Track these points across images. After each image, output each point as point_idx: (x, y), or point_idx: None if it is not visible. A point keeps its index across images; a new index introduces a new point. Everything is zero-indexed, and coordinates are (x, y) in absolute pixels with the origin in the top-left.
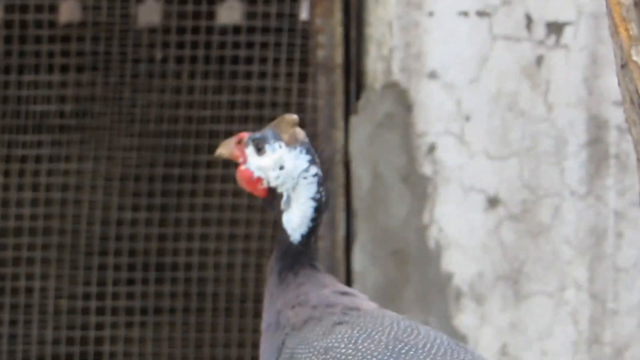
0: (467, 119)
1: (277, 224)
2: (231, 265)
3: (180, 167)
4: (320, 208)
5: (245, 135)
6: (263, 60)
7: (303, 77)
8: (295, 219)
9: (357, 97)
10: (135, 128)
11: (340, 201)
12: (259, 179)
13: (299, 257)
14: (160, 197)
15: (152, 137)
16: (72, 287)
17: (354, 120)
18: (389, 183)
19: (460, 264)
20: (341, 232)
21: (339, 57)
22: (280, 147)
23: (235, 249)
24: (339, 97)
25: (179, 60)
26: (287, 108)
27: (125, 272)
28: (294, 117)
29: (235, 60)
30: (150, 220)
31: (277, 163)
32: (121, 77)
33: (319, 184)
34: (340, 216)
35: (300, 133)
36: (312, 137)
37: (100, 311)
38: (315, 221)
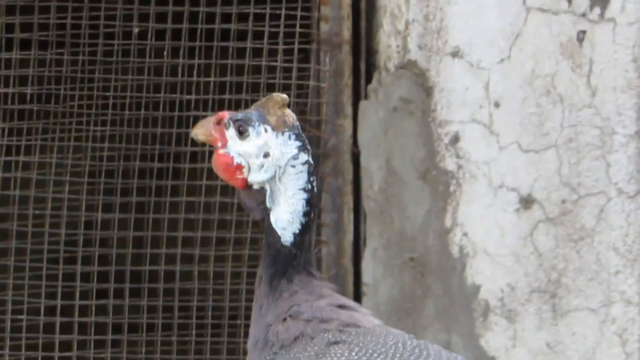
0: (497, 104)
1: (261, 224)
2: (220, 274)
3: (160, 160)
4: (313, 201)
5: (225, 115)
6: (258, 36)
7: (304, 56)
8: (285, 216)
9: (368, 80)
10: (108, 115)
11: (348, 200)
12: (239, 167)
13: (292, 261)
14: (137, 196)
15: (127, 125)
16: (33, 301)
17: (363, 106)
18: (404, 179)
19: (489, 274)
20: (349, 237)
21: (346, 32)
22: (265, 131)
23: (224, 256)
24: (347, 79)
25: (160, 35)
26: (286, 91)
27: (95, 282)
28: (283, 96)
29: (225, 35)
30: (124, 222)
31: (261, 149)
32: (92, 56)
33: (310, 173)
34: (348, 218)
35: (290, 115)
36: (316, 125)
37: (66, 328)
38: (308, 216)
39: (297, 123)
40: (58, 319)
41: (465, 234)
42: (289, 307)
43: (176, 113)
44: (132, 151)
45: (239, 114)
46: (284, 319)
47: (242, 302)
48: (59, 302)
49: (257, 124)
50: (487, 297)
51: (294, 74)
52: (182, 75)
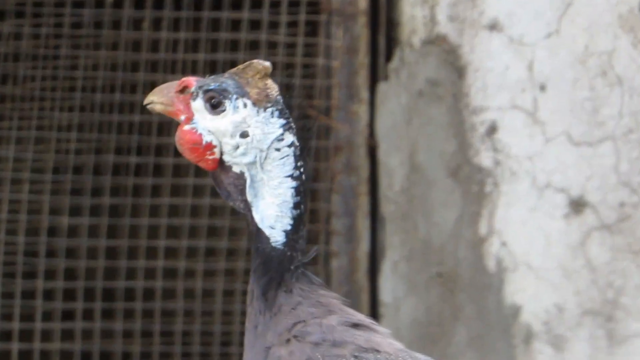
0: (542, 88)
1: (246, 224)
2: (209, 292)
3: (138, 154)
4: (303, 189)
5: (192, 82)
6: (255, 4)
7: (312, 29)
8: (271, 211)
9: (388, 57)
10: (76, 99)
11: (364, 203)
12: (209, 146)
13: (288, 265)
14: (110, 196)
15: (99, 111)
16: None
17: (383, 89)
18: (431, 177)
19: (532, 292)
20: (364, 247)
21: (363, 0)
22: (245, 106)
23: (214, 270)
24: (363, 57)
25: (139, 3)
26: (290, 72)
27: (60, 301)
28: (266, 64)
29: (216, 4)
30: (95, 229)
31: (238, 128)
32: (57, 28)
33: (297, 157)
34: (363, 224)
35: (273, 88)
36: (326, 112)
37: (25, 357)
38: (300, 208)
39: (280, 97)
40: (16, 345)
41: (503, 244)
42: (293, 325)
43: None
44: (105, 143)
45: (211, 83)
46: (287, 340)
47: (235, 325)
48: (17, 325)
49: (234, 96)
50: (530, 320)
51: (300, 50)
52: (165, 52)
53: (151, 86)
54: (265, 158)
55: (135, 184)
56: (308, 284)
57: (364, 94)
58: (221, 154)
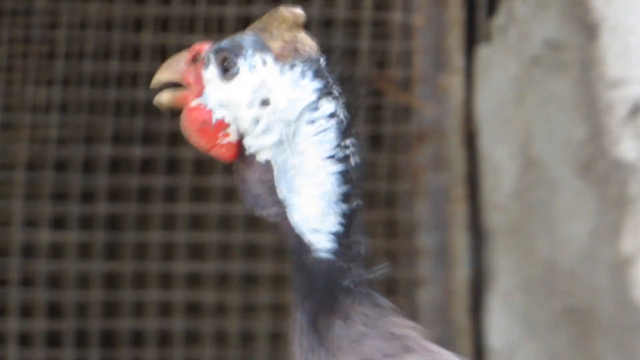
0: None
1: (280, 231)
2: (247, 334)
3: (145, 144)
4: (352, 175)
5: (204, 46)
6: None
7: None
8: (312, 207)
9: (490, 11)
10: (58, 69)
11: (460, 211)
12: (221, 125)
13: (341, 280)
14: (107, 202)
15: (89, 85)
16: None
17: (484, 54)
18: (553, 176)
19: None
20: (462, 272)
21: None
22: (264, 63)
23: (254, 304)
24: (456, 10)
25: None
26: (354, 31)
27: (42, 348)
28: (295, 11)
29: None
30: (87, 248)
31: (256, 93)
32: None
33: (343, 132)
34: (461, 240)
35: (305, 42)
36: (404, 85)
37: None
38: (351, 202)
39: (317, 52)
40: None
41: None
42: None
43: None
44: (99, 129)
45: (224, 42)
46: None
47: None
48: None
49: (249, 51)
50: None
51: (368, 1)
52: (181, 2)
53: (160, 52)
54: (295, 134)
55: (142, 185)
56: (373, 307)
57: (458, 61)
58: (240, 136)
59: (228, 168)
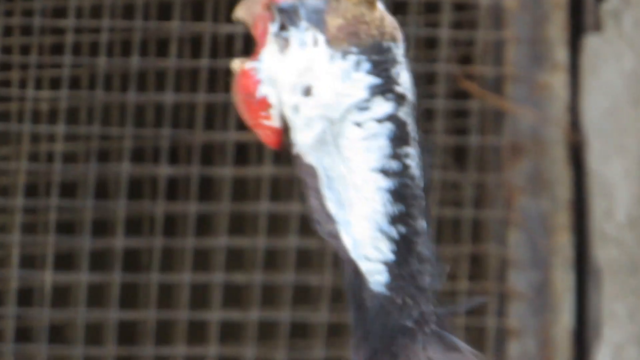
0: None
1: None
2: None
3: (173, 161)
4: (407, 192)
5: None
6: None
7: None
8: (362, 228)
9: None
10: (65, 66)
11: (563, 243)
12: (263, 103)
13: (401, 319)
14: (126, 235)
15: (103, 87)
16: None
17: (593, 46)
18: None
19: None
20: (566, 320)
21: None
22: (315, 42)
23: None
24: None
25: None
26: (432, 17)
27: None
28: None
29: None
30: (100, 291)
31: (301, 77)
32: None
33: (399, 139)
34: (564, 280)
35: (373, 24)
36: (494, 85)
37: None
38: (408, 224)
39: (380, 41)
40: None
41: None
42: None
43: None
44: (115, 142)
45: (290, 1)
46: None
47: None
48: None
49: (303, 24)
50: None
51: None
52: None
53: (191, 45)
54: (339, 135)
55: (168, 212)
56: (446, 351)
57: (561, 54)
58: (283, 124)
59: (275, 189)
